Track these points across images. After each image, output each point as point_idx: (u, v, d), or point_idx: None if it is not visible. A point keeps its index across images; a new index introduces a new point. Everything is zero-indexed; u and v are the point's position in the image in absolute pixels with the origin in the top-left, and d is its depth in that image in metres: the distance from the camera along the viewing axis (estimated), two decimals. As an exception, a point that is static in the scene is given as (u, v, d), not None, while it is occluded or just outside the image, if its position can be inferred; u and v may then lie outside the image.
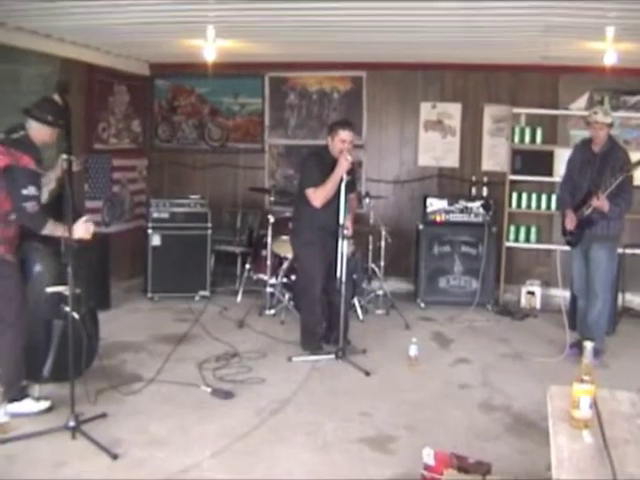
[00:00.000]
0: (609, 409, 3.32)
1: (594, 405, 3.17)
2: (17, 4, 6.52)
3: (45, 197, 5.86)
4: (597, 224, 7.09)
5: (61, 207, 5.23)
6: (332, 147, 7.18)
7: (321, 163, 7.17)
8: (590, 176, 7.14)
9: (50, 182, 5.83)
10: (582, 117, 7.83)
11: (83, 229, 5.29)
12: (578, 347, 7.11)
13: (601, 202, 6.86)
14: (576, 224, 7.22)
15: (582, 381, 3.12)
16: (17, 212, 5.16)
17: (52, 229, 5.23)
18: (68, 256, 5.16)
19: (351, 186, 7.27)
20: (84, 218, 5.36)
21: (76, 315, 5.40)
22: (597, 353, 7.10)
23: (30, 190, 5.11)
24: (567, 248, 7.62)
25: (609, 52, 7.32)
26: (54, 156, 5.72)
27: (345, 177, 6.91)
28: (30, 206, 5.11)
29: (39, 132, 5.38)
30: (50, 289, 5.69)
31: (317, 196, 7.12)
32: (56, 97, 5.54)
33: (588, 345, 3.25)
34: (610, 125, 7.08)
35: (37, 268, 5.78)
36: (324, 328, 7.51)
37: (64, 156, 5.33)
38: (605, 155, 7.07)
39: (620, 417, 3.28)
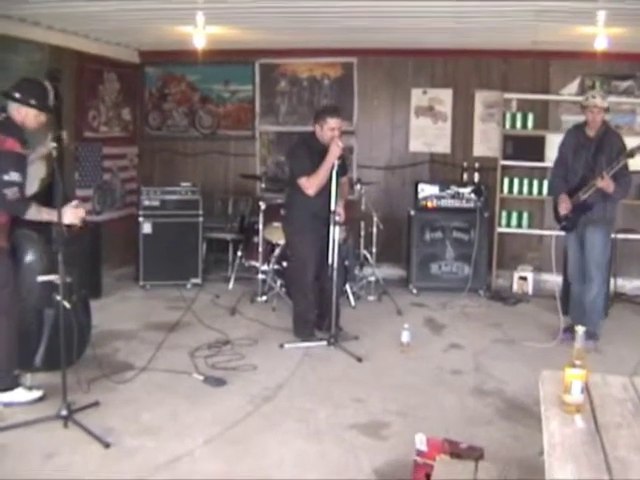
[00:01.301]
0: (601, 393, 3.33)
1: (586, 390, 3.17)
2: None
3: (35, 186, 5.85)
4: (593, 208, 7.08)
5: (52, 194, 5.21)
6: (321, 135, 7.17)
7: (310, 151, 7.17)
8: (585, 160, 7.11)
9: (34, 161, 5.77)
10: (578, 101, 7.78)
11: (73, 214, 5.27)
12: (571, 332, 7.12)
13: (606, 182, 6.83)
14: (572, 209, 7.20)
15: (574, 366, 3.11)
16: None
17: (35, 214, 5.19)
18: (58, 244, 5.15)
19: (342, 170, 7.28)
20: (73, 203, 5.34)
21: (67, 304, 5.39)
22: (593, 336, 7.14)
23: (12, 176, 5.04)
24: (560, 233, 7.61)
25: (600, 37, 7.32)
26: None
27: (336, 163, 6.90)
28: (11, 192, 5.04)
29: (19, 114, 5.31)
30: (41, 278, 5.68)
31: (310, 184, 7.11)
32: (47, 85, 5.52)
33: (580, 330, 3.25)
34: (607, 109, 7.08)
35: (29, 256, 5.75)
36: (316, 315, 7.51)
37: (54, 144, 5.29)
38: (600, 140, 7.06)
39: (612, 401, 3.28)
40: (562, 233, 7.60)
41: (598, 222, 7.15)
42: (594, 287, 7.22)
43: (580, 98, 7.65)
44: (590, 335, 7.12)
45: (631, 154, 6.83)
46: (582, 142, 7.20)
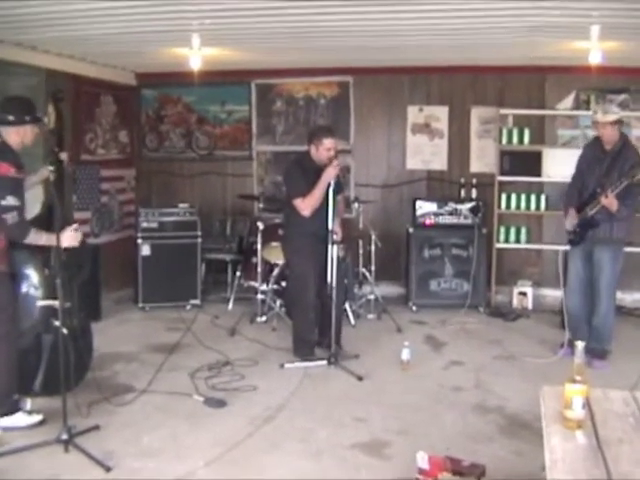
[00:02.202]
0: (602, 409, 3.32)
1: (587, 405, 3.16)
2: (0, 17, 6.50)
3: (37, 208, 5.85)
4: (601, 226, 6.99)
5: (52, 218, 5.21)
6: (316, 155, 7.18)
7: (305, 171, 7.19)
8: (597, 175, 7.00)
9: (33, 186, 5.79)
10: (574, 116, 7.72)
11: (71, 237, 5.28)
12: (571, 347, 7.12)
13: (610, 200, 6.70)
14: (579, 224, 7.13)
15: (574, 381, 3.11)
16: None
17: (35, 238, 5.20)
18: (57, 268, 5.15)
19: (338, 188, 7.28)
20: (73, 227, 5.35)
21: (65, 330, 5.37)
22: (605, 354, 7.11)
23: (9, 201, 5.05)
24: (559, 247, 7.56)
25: (594, 51, 7.35)
26: (42, 157, 5.68)
27: (332, 182, 6.91)
28: (10, 217, 5.06)
29: (10, 135, 5.30)
30: (41, 302, 5.67)
31: (305, 206, 7.14)
32: (50, 107, 5.53)
33: (580, 345, 3.25)
34: (613, 123, 6.86)
35: (29, 280, 5.73)
36: (317, 334, 7.49)
37: (50, 167, 5.30)
38: (615, 154, 6.93)
39: (613, 416, 3.27)
40: (559, 248, 7.55)
41: (606, 242, 7.04)
42: (602, 308, 7.12)
43: (576, 112, 7.63)
44: (602, 354, 7.11)
45: (633, 177, 6.64)
46: (597, 156, 7.08)
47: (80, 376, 5.92)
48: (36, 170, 5.79)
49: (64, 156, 5.72)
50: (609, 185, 6.75)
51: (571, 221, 7.19)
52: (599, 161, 7.06)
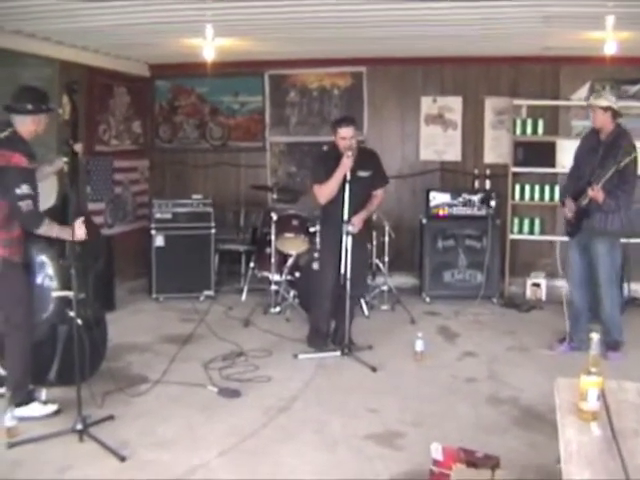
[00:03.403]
0: (617, 400, 3.31)
1: (602, 397, 3.16)
2: (15, 7, 6.51)
3: (53, 199, 5.88)
4: (595, 217, 6.93)
5: (66, 209, 5.23)
6: (338, 144, 7.17)
7: (329, 160, 7.16)
8: (592, 165, 6.98)
9: (47, 177, 5.81)
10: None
11: (82, 230, 5.30)
12: (567, 341, 7.11)
13: (595, 193, 6.67)
14: (574, 214, 7.12)
15: (589, 373, 3.10)
16: (13, 212, 5.14)
17: (48, 229, 5.23)
18: (71, 260, 5.17)
19: (375, 183, 7.39)
20: (81, 219, 5.35)
21: (80, 321, 5.40)
22: (618, 345, 7.07)
23: (23, 189, 5.07)
24: (566, 239, 7.55)
25: (609, 42, 7.31)
26: (56, 147, 5.69)
27: (348, 174, 6.90)
28: (25, 205, 5.08)
29: (24, 124, 5.31)
30: (56, 293, 5.69)
31: (320, 193, 7.19)
32: (65, 98, 5.54)
33: (595, 337, 3.24)
34: (604, 109, 6.86)
35: (44, 271, 5.74)
36: (331, 325, 7.52)
37: (64, 159, 5.32)
38: (610, 144, 6.90)
39: (628, 408, 3.26)
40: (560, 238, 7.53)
41: (601, 234, 6.99)
42: (607, 301, 7.09)
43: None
44: (615, 346, 7.08)
45: (619, 163, 6.60)
46: (593, 146, 7.07)
47: (95, 366, 5.94)
48: (51, 160, 5.80)
49: (79, 147, 5.73)
50: (602, 175, 6.71)
51: (569, 210, 7.16)
52: (594, 151, 7.03)
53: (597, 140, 7.06)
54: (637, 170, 6.87)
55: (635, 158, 6.71)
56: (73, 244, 5.16)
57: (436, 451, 4.27)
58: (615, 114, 6.96)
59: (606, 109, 6.88)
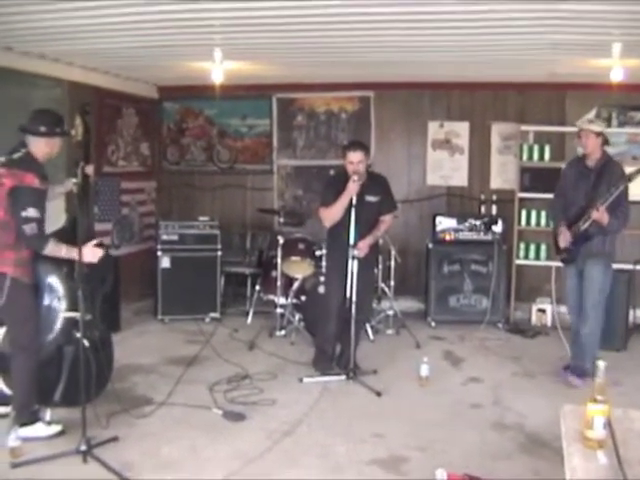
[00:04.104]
0: (623, 428, 3.30)
1: (608, 425, 3.15)
2: (24, 29, 6.56)
3: (62, 220, 5.90)
4: (593, 240, 6.95)
5: (75, 230, 5.24)
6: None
7: (338, 183, 7.17)
8: (585, 191, 6.98)
9: (57, 197, 5.84)
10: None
11: (91, 253, 5.32)
12: (575, 372, 7.06)
13: (600, 214, 6.69)
14: (572, 240, 7.10)
15: (596, 401, 3.09)
16: (18, 233, 5.17)
17: (54, 250, 5.24)
18: (79, 281, 5.18)
19: (383, 208, 7.40)
20: (93, 242, 5.38)
21: (86, 342, 5.41)
22: (584, 373, 6.98)
23: (29, 212, 5.10)
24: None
25: (615, 69, 7.35)
26: (65, 168, 5.72)
27: (354, 198, 6.91)
28: (29, 228, 5.11)
29: (38, 146, 5.35)
30: (64, 314, 5.69)
31: (325, 216, 7.25)
32: (78, 119, 5.58)
33: (601, 364, 3.23)
34: (597, 134, 6.88)
35: (52, 292, 5.73)
36: (335, 348, 7.52)
37: (73, 180, 5.34)
38: (600, 169, 6.92)
39: (634, 436, 3.25)
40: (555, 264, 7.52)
41: (598, 256, 7.00)
42: (589, 323, 7.03)
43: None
44: (581, 373, 7.04)
45: (629, 179, 6.70)
46: (582, 172, 7.07)
47: (100, 387, 5.92)
48: (61, 180, 5.84)
49: (90, 170, 5.77)
50: (598, 199, 6.74)
51: (565, 238, 7.14)
52: (584, 177, 7.03)
53: (584, 166, 7.07)
54: (628, 192, 6.91)
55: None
56: (81, 265, 5.17)
57: (441, 477, 4.27)
58: (605, 140, 7.03)
59: (598, 134, 6.91)
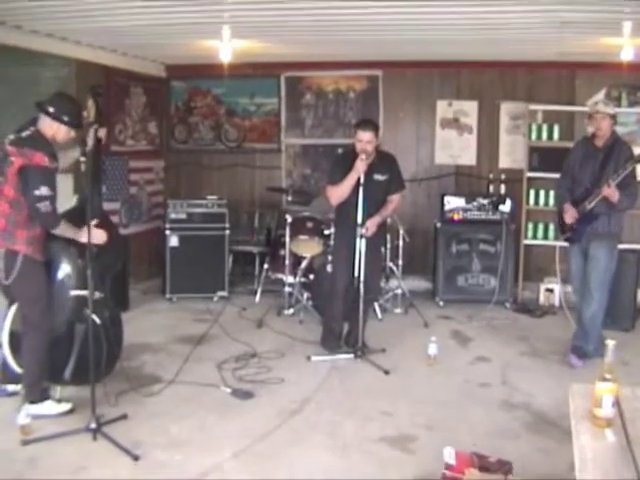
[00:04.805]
0: (631, 407, 3.30)
1: (616, 404, 3.15)
2: (32, 7, 6.55)
3: (74, 200, 5.91)
4: (599, 219, 6.93)
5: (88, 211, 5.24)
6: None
7: (346, 161, 7.14)
8: (592, 170, 6.97)
9: (70, 158, 5.82)
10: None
11: (97, 234, 5.33)
12: (575, 353, 7.06)
13: (612, 190, 6.65)
14: (577, 219, 7.07)
15: (605, 379, 3.10)
16: (31, 212, 5.18)
17: (64, 230, 5.28)
18: (88, 260, 5.19)
19: (391, 187, 7.38)
20: (94, 222, 5.37)
21: (98, 320, 5.44)
22: (585, 355, 6.99)
23: (42, 190, 5.12)
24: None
25: (626, 48, 7.30)
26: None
27: (362, 177, 6.90)
28: (43, 206, 5.13)
29: (51, 128, 5.36)
30: (74, 292, 5.71)
31: (331, 194, 7.25)
32: (90, 101, 5.58)
33: (610, 343, 3.23)
34: (612, 117, 6.90)
35: (63, 270, 5.77)
36: (343, 326, 7.57)
37: (83, 158, 5.33)
38: (609, 149, 6.91)
39: (642, 415, 3.26)
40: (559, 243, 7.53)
41: (603, 236, 6.98)
42: (594, 304, 7.01)
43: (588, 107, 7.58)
44: (582, 354, 7.04)
45: (637, 160, 6.71)
46: (590, 152, 7.05)
47: (110, 366, 5.94)
48: (65, 149, 5.80)
49: (103, 133, 5.78)
50: (606, 178, 6.72)
51: (571, 215, 7.08)
52: (592, 157, 7.01)
53: (593, 146, 7.05)
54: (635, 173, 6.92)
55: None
56: (90, 245, 5.18)
57: (449, 455, 4.27)
58: (615, 122, 7.04)
59: (612, 117, 6.92)
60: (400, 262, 9.25)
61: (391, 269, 9.29)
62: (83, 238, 5.22)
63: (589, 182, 6.96)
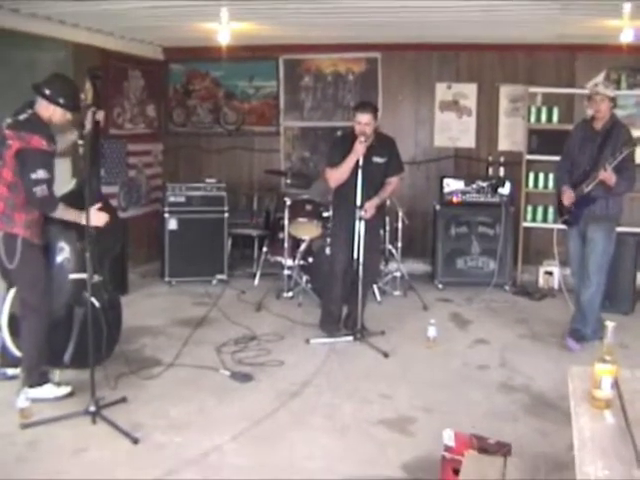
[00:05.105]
0: (630, 389, 3.30)
1: (615, 385, 3.16)
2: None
3: (72, 184, 5.89)
4: (597, 202, 6.91)
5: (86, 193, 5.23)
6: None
7: (345, 144, 7.14)
8: (590, 153, 6.95)
9: (68, 141, 5.81)
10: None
11: (96, 217, 5.32)
12: (572, 336, 7.06)
13: (608, 174, 6.63)
14: (575, 202, 7.05)
15: (604, 361, 3.10)
16: (27, 196, 5.17)
17: (63, 213, 5.27)
18: (87, 243, 5.19)
19: (389, 170, 7.38)
20: (97, 205, 5.37)
21: (97, 303, 5.44)
22: (582, 338, 6.99)
23: (39, 174, 5.11)
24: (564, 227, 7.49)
25: (626, 30, 7.26)
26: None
27: (361, 159, 6.89)
28: (40, 190, 5.12)
29: (47, 110, 5.34)
30: (73, 275, 5.70)
31: (330, 176, 7.27)
32: (87, 84, 5.55)
33: (610, 325, 3.23)
34: (612, 99, 6.87)
35: (62, 253, 5.76)
36: (341, 309, 7.57)
37: (80, 142, 5.32)
38: (607, 132, 6.89)
39: (641, 397, 3.26)
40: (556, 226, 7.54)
41: (601, 220, 6.96)
42: (592, 287, 7.00)
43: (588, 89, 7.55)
44: (579, 338, 7.04)
45: (635, 143, 6.72)
46: (589, 135, 7.04)
47: (109, 349, 5.94)
48: (70, 129, 5.79)
49: (101, 116, 5.76)
50: (604, 162, 6.70)
51: (569, 196, 7.06)
52: (591, 140, 6.99)
53: (592, 129, 7.03)
54: (634, 155, 6.92)
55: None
56: (89, 228, 5.17)
57: (448, 437, 4.28)
58: (615, 104, 7.01)
59: (612, 99, 6.89)
60: (399, 244, 9.25)
61: (390, 251, 9.28)
62: (84, 220, 5.21)
63: (587, 165, 6.94)
